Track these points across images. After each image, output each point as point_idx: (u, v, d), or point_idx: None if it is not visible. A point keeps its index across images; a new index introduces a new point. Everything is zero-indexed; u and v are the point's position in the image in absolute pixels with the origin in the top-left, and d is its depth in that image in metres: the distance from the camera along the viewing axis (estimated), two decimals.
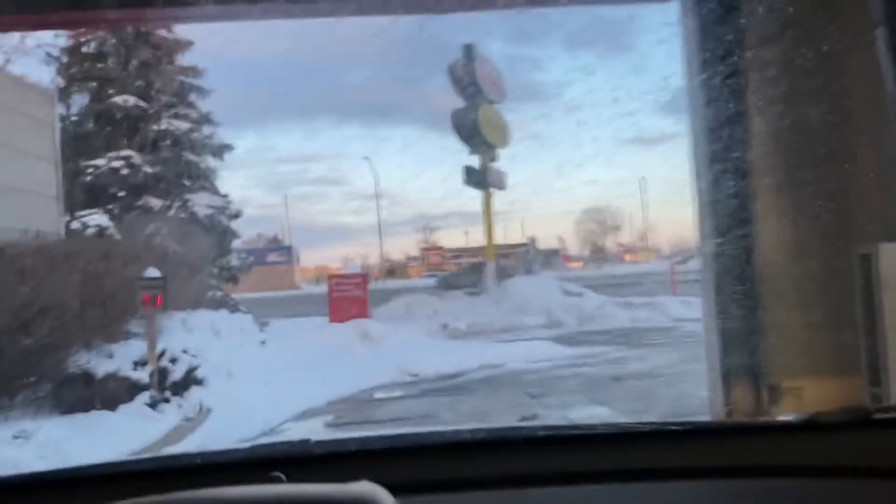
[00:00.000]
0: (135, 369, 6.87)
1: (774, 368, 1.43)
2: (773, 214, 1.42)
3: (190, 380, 7.49)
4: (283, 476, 0.96)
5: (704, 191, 1.53)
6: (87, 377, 6.27)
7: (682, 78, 1.61)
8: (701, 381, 7.53)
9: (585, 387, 8.06)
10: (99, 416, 5.82)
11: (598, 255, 52.03)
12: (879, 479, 1.00)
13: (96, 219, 14.27)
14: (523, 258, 30.53)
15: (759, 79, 1.43)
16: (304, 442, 1.19)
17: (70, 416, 5.72)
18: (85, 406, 5.92)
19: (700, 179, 1.54)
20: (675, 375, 8.24)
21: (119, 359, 6.89)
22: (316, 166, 73.61)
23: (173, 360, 7.49)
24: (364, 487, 0.82)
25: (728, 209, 1.48)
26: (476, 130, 18.62)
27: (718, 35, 1.48)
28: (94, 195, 16.14)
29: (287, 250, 46.21)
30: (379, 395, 8.38)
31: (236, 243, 20.60)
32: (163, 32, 18.97)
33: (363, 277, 18.53)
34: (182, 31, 19.53)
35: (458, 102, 18.89)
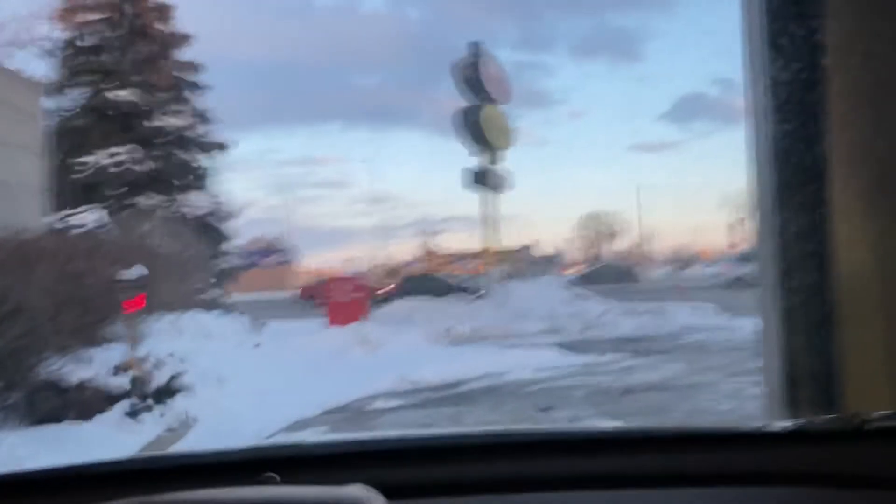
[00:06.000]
0: (114, 375, 6.42)
1: (846, 391, 1.19)
2: (853, 213, 1.16)
3: (175, 386, 7.03)
4: (276, 477, 0.95)
5: (767, 185, 1.24)
6: (60, 384, 5.81)
7: (739, 55, 1.30)
8: (718, 394, 7.17)
9: (593, 398, 7.65)
10: (70, 428, 5.36)
11: (596, 260, 51.73)
12: (872, 488, 0.99)
13: (86, 216, 13.84)
14: (518, 263, 30.26)
15: (840, 58, 1.15)
16: (299, 443, 1.22)
17: (38, 427, 5.27)
18: (56, 416, 5.46)
19: (761, 172, 1.25)
20: (691, 388, 7.87)
21: (98, 364, 6.44)
22: (320, 169, 73.75)
23: (157, 365, 7.04)
24: (356, 491, 0.83)
25: (799, 206, 1.20)
26: (478, 131, 18.10)
27: (791, 10, 1.21)
28: (86, 192, 15.72)
29: (285, 252, 46.04)
30: (376, 404, 7.95)
31: (235, 244, 20.27)
32: (161, 26, 18.63)
33: (363, 280, 18.14)
34: (184, 26, 19.21)
35: (464, 104, 18.36)
